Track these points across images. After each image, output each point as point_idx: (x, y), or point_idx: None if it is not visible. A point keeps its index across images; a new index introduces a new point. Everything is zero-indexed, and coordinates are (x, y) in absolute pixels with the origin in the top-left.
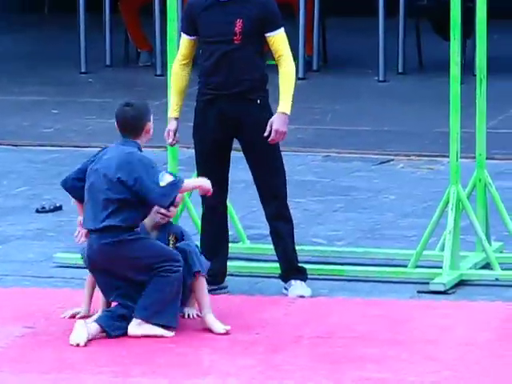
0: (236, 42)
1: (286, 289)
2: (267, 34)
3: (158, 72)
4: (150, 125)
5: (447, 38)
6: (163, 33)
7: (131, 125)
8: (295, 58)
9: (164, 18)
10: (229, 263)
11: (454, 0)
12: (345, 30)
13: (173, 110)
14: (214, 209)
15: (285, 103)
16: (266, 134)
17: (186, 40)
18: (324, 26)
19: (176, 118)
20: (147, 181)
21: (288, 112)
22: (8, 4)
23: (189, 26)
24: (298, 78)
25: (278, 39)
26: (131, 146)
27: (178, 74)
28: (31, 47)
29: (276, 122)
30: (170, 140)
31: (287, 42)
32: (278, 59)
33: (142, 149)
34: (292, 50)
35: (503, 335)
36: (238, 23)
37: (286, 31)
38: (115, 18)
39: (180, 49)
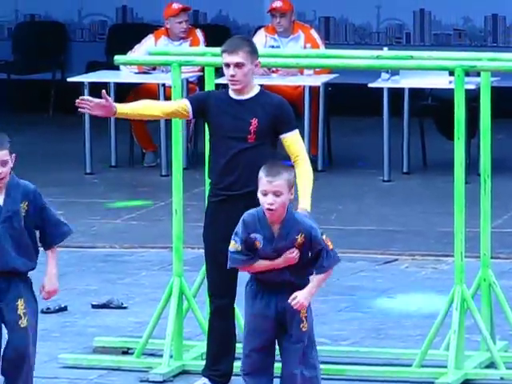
0: (250, 141)
1: None
2: (282, 136)
3: (164, 172)
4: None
5: (451, 138)
6: (168, 133)
7: None
8: None
9: (169, 119)
10: (235, 363)
11: (458, 100)
12: (350, 129)
13: (122, 105)
14: (222, 310)
15: (305, 200)
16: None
17: (185, 106)
18: (329, 126)
19: (114, 107)
20: None
21: (309, 209)
22: (13, 104)
23: (198, 104)
24: None
25: (294, 140)
26: None
27: (149, 105)
28: (36, 147)
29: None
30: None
31: (302, 143)
32: (296, 160)
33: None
34: None
35: None
36: (253, 122)
37: None
38: (120, 119)
39: (172, 104)
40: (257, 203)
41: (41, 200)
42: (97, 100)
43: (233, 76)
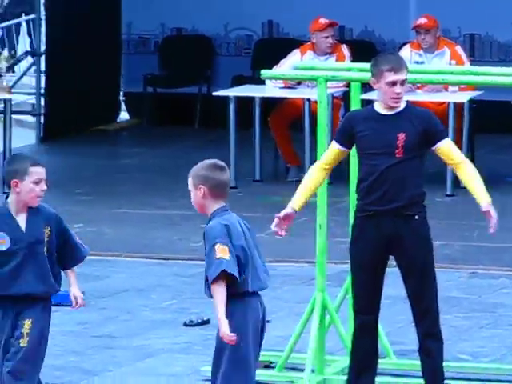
0: (397, 155)
1: None
2: (435, 146)
3: None
4: None
5: None
6: (313, 148)
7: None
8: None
9: (314, 134)
10: (376, 378)
11: None
12: (494, 146)
13: (296, 201)
14: (367, 326)
15: (484, 195)
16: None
17: (336, 150)
18: (473, 143)
19: (294, 209)
20: None
21: (490, 200)
22: (159, 117)
23: (345, 137)
24: (446, 195)
25: (449, 147)
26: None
27: (314, 175)
28: (181, 160)
29: (493, 211)
30: (276, 227)
31: (457, 148)
32: (456, 165)
33: None
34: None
35: None
36: (401, 137)
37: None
38: (265, 134)
39: (326, 155)
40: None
41: (62, 224)
42: (281, 217)
43: (399, 94)
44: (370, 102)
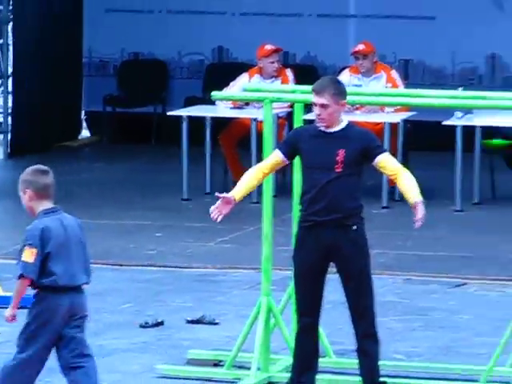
0: (337, 170)
1: None
2: (375, 161)
3: (254, 200)
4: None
5: None
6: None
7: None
8: (380, 189)
9: (260, 151)
10: (317, 376)
11: None
12: (426, 163)
13: (237, 191)
14: (309, 328)
15: (417, 194)
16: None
17: (279, 158)
18: (407, 160)
19: (234, 198)
20: None
21: (421, 199)
22: (118, 135)
23: (289, 149)
24: (382, 207)
25: (387, 159)
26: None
27: (254, 175)
28: (138, 175)
29: (421, 208)
30: (215, 210)
31: (394, 160)
32: (395, 175)
33: None
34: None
35: None
36: (340, 153)
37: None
38: (216, 151)
39: (268, 161)
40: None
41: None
42: (218, 203)
43: (318, 115)
44: (311, 122)
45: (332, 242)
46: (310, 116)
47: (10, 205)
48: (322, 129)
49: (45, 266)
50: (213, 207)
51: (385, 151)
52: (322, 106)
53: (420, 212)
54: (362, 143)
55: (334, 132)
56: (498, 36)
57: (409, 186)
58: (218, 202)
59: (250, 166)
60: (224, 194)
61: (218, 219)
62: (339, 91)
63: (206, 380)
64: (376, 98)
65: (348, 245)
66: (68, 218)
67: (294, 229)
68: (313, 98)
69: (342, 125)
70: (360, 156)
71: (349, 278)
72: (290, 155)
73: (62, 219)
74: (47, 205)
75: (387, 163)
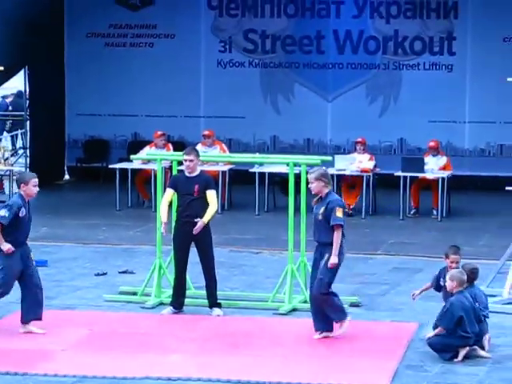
0: (195, 195)
1: (211, 312)
2: (207, 192)
3: (153, 210)
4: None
5: None
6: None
7: None
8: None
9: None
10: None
11: None
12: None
13: (163, 217)
14: (180, 273)
15: (206, 217)
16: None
17: (171, 192)
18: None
19: (165, 221)
20: None
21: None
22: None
23: (173, 186)
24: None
25: (212, 194)
26: None
27: (165, 204)
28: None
29: (201, 224)
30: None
31: (214, 196)
32: (210, 204)
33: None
34: None
35: None
36: (196, 187)
37: None
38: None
39: (167, 195)
40: (195, 223)
41: None
42: (165, 224)
43: (188, 166)
44: (182, 171)
45: (190, 231)
46: (181, 167)
47: None
48: (188, 175)
49: None
50: (162, 229)
51: (213, 189)
52: (191, 160)
53: (199, 225)
54: (206, 182)
55: (194, 176)
56: None
57: (209, 212)
58: (162, 225)
59: (151, 191)
60: (164, 222)
61: (165, 234)
62: (198, 154)
63: (128, 302)
64: (216, 158)
65: (201, 234)
66: None
67: (173, 224)
68: (184, 157)
69: (198, 172)
70: (204, 188)
71: (202, 252)
72: (174, 188)
73: None
74: None
75: (210, 197)
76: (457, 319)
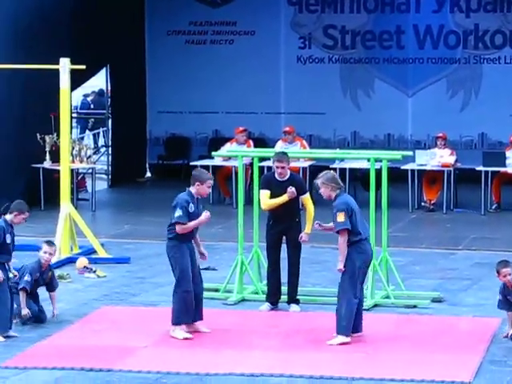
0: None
1: (288, 308)
2: (301, 196)
3: (234, 206)
4: None
5: None
6: (237, 187)
7: None
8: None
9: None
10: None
11: None
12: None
13: (280, 199)
14: (274, 268)
15: (309, 225)
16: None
17: (268, 192)
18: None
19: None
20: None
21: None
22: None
23: (267, 186)
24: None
25: (307, 198)
26: None
27: (269, 200)
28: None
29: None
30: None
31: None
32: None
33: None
34: None
35: None
36: (290, 188)
37: None
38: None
39: (264, 195)
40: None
41: None
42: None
43: (280, 174)
44: (270, 169)
45: (286, 227)
46: (265, 163)
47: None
48: (278, 178)
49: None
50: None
51: (307, 193)
52: (283, 167)
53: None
54: (300, 186)
55: (284, 180)
56: None
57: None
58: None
59: (232, 188)
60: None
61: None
62: (289, 158)
63: (210, 298)
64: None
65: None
66: None
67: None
68: (276, 163)
69: (288, 175)
70: (299, 190)
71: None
72: (268, 189)
73: None
74: None
75: (306, 200)
76: None
